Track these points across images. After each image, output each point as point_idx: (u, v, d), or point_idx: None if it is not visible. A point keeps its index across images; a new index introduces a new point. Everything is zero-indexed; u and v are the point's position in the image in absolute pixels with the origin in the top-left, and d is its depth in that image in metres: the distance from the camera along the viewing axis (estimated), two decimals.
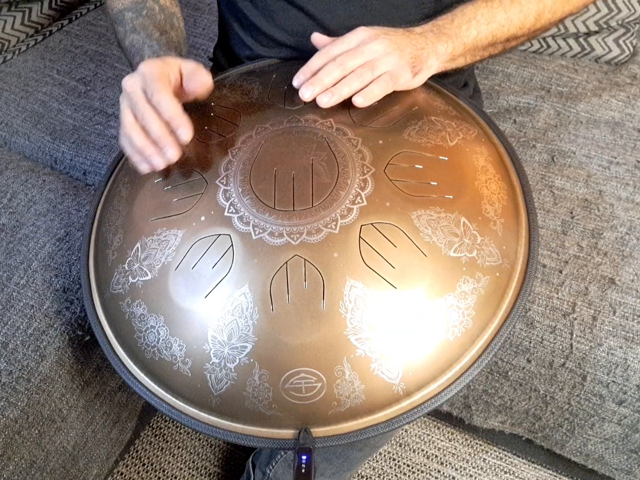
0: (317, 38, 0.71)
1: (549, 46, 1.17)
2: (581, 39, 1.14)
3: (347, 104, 0.67)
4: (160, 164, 0.62)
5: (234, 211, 0.60)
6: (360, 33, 0.66)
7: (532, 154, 1.01)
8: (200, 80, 0.65)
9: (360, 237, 0.57)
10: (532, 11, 0.74)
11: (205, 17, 1.37)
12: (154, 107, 0.61)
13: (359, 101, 0.64)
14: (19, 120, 1.15)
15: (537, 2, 0.74)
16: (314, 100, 0.68)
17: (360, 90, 0.65)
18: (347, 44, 0.66)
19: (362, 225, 0.57)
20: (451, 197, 0.60)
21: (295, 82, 0.66)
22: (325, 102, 0.64)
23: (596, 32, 1.13)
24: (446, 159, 0.62)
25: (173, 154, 0.60)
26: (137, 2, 0.78)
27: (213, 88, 0.66)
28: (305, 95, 0.64)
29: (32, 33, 1.33)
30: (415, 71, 0.67)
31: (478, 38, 0.71)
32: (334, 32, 0.79)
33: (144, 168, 0.64)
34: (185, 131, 0.60)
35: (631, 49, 1.14)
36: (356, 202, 0.59)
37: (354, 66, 0.64)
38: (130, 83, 0.62)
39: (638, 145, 1.00)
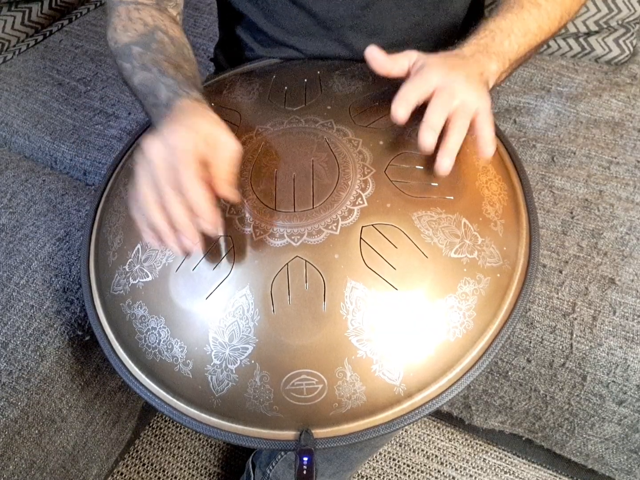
0: (374, 54, 0.63)
1: (549, 46, 1.17)
2: (581, 39, 1.14)
3: (347, 105, 0.67)
4: (177, 252, 0.55)
5: (234, 212, 0.60)
6: (436, 70, 0.60)
7: (532, 154, 1.01)
8: (226, 190, 0.56)
9: (361, 238, 0.57)
10: (557, 16, 0.73)
11: (205, 17, 1.36)
12: (179, 192, 0.53)
13: (490, 151, 0.59)
14: (19, 120, 1.15)
15: (560, 6, 0.73)
16: (313, 101, 0.68)
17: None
18: (429, 83, 0.59)
19: (363, 227, 0.57)
20: (452, 198, 0.60)
21: (400, 114, 0.58)
22: (448, 164, 0.57)
23: (596, 32, 1.13)
24: None
25: (191, 247, 0.54)
26: (144, 34, 0.70)
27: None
28: (429, 141, 0.57)
29: (32, 33, 1.32)
30: (489, 97, 0.63)
31: (519, 51, 0.69)
32: (335, 31, 0.79)
33: (156, 245, 0.56)
34: (209, 226, 0.53)
35: (631, 49, 1.13)
36: (357, 203, 0.59)
37: (450, 109, 0.58)
38: (157, 154, 0.54)
39: (638, 145, 1.00)
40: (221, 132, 0.57)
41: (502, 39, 0.68)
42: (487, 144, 0.59)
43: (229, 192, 0.55)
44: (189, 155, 0.53)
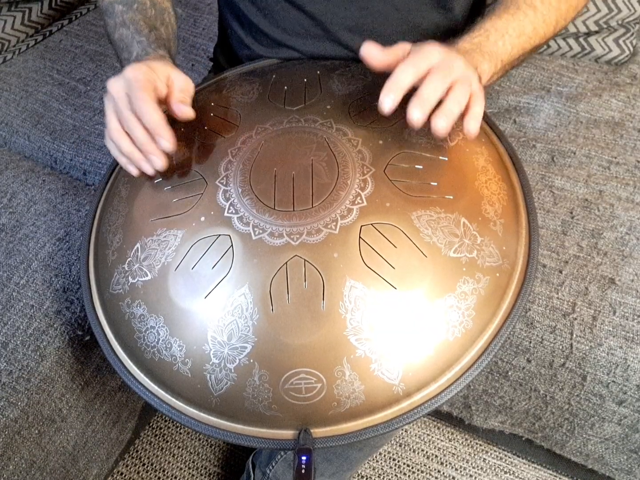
0: (369, 49, 0.62)
1: (549, 46, 1.17)
2: (581, 39, 1.14)
3: (346, 104, 0.67)
4: (148, 170, 0.63)
5: (233, 211, 0.60)
6: (436, 48, 0.60)
7: (532, 154, 1.01)
8: (183, 113, 0.63)
9: (360, 237, 0.57)
10: (552, 20, 0.73)
11: (205, 17, 1.37)
12: (136, 115, 0.60)
13: (474, 127, 0.59)
14: (19, 120, 1.15)
15: (556, 11, 0.73)
16: (313, 100, 0.68)
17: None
18: (430, 59, 0.58)
19: (362, 226, 0.57)
20: (451, 197, 0.60)
21: (387, 104, 0.56)
22: (444, 126, 0.56)
23: (596, 32, 1.13)
24: (446, 159, 0.62)
25: (159, 163, 0.61)
26: None
27: (194, 116, 0.65)
28: (416, 117, 0.56)
29: (32, 33, 1.33)
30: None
31: (512, 53, 0.69)
32: (334, 32, 0.79)
33: (132, 170, 0.64)
34: (165, 143, 0.60)
35: (631, 49, 1.13)
36: (356, 202, 0.59)
37: (450, 82, 0.58)
38: (116, 87, 0.62)
39: (638, 145, 1.00)
40: (173, 70, 0.65)
41: (496, 39, 0.68)
42: (475, 117, 0.59)
43: (183, 111, 0.63)
44: (141, 82, 0.60)
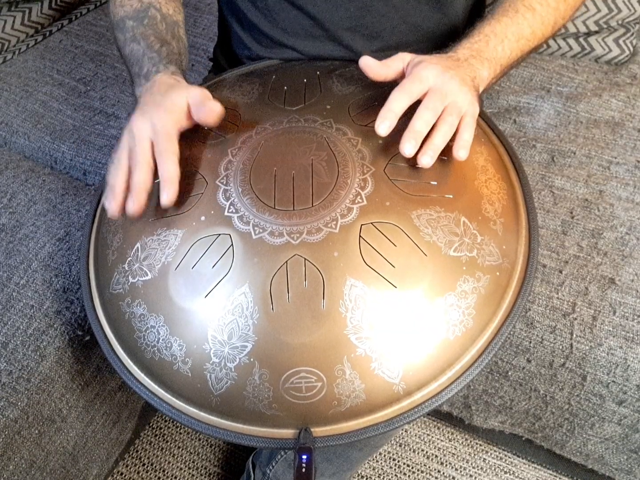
0: (367, 62, 0.64)
1: (549, 46, 1.17)
2: (581, 39, 1.14)
3: (346, 104, 0.67)
4: (114, 209, 0.61)
5: (234, 211, 0.60)
6: (431, 70, 0.61)
7: (532, 154, 1.01)
8: (210, 108, 0.63)
9: (360, 236, 0.57)
10: (550, 21, 0.73)
11: (205, 17, 1.37)
12: (152, 162, 0.61)
13: (463, 155, 0.60)
14: (19, 120, 1.15)
15: (555, 11, 0.73)
16: (313, 100, 0.68)
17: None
18: (424, 83, 0.60)
19: (362, 225, 0.57)
20: (451, 196, 0.60)
21: (383, 130, 0.59)
22: (429, 162, 0.58)
23: (596, 32, 1.13)
24: (446, 158, 0.62)
25: (132, 209, 0.60)
26: (139, 10, 0.76)
27: (224, 113, 0.64)
28: (408, 151, 0.58)
29: (32, 33, 1.33)
30: (479, 103, 0.65)
31: (511, 56, 0.70)
32: (334, 32, 0.79)
33: (105, 203, 0.63)
34: (167, 199, 0.59)
35: (631, 49, 1.14)
36: (356, 201, 0.59)
37: (441, 110, 0.60)
38: (140, 128, 0.62)
39: (638, 145, 1.00)
40: (189, 91, 0.64)
41: (495, 44, 0.68)
42: (464, 146, 0.60)
43: (213, 111, 0.63)
44: (168, 135, 0.61)
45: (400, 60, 0.64)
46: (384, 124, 0.58)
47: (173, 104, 0.63)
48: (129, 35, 0.75)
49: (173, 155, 0.60)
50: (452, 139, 0.61)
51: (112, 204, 0.61)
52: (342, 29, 0.79)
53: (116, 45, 0.79)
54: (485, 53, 0.67)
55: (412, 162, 0.62)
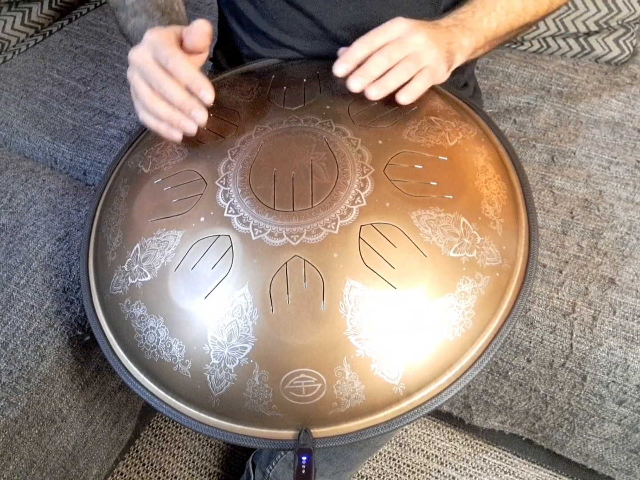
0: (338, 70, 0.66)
1: (549, 46, 1.17)
2: (581, 39, 1.14)
3: (346, 104, 0.67)
4: (192, 128, 0.62)
5: (233, 212, 0.60)
6: (400, 24, 0.64)
7: (532, 154, 1.01)
8: (199, 29, 0.62)
9: (360, 237, 0.57)
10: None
11: (205, 17, 1.35)
12: (170, 74, 0.60)
13: (404, 99, 0.63)
14: (19, 120, 1.15)
15: None
16: (312, 100, 0.68)
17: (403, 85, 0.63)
18: (388, 35, 0.64)
19: (361, 226, 0.57)
20: (451, 197, 0.60)
21: (339, 71, 0.63)
22: (375, 94, 0.62)
23: (596, 32, 1.13)
24: (446, 159, 0.62)
25: (201, 117, 0.61)
26: None
27: (212, 39, 0.64)
28: (355, 86, 0.62)
29: (32, 33, 1.33)
30: (448, 65, 0.67)
31: (498, 29, 0.71)
32: (333, 32, 0.79)
33: (175, 136, 0.63)
34: (208, 94, 0.60)
35: (631, 49, 1.14)
36: (356, 202, 0.59)
37: (398, 58, 0.63)
38: (140, 54, 0.61)
39: (638, 145, 1.00)
40: (182, 27, 0.64)
41: (481, 16, 0.70)
42: (408, 91, 0.63)
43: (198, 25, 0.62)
44: (164, 41, 0.60)
45: (395, 25, 0.66)
46: (342, 66, 0.62)
47: (167, 29, 0.64)
48: (129, 12, 0.75)
49: (181, 56, 0.59)
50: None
51: (187, 127, 0.62)
52: (340, 29, 0.79)
53: (118, 26, 0.80)
54: (469, 23, 0.69)
55: (412, 162, 0.62)
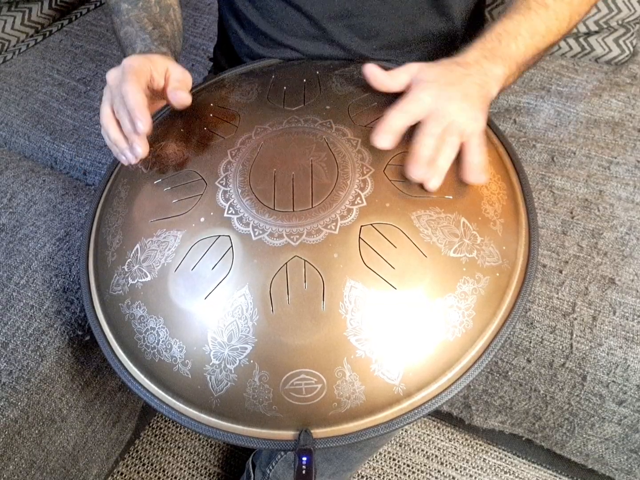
0: (373, 71, 0.65)
1: None
2: (581, 39, 1.14)
3: (346, 104, 0.67)
4: (130, 159, 0.65)
5: (233, 212, 0.60)
6: (427, 90, 0.61)
7: (532, 154, 1.01)
8: (179, 99, 0.65)
9: (360, 237, 0.57)
10: (565, 17, 0.72)
11: (205, 17, 1.37)
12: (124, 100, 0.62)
13: (476, 180, 0.61)
14: (19, 120, 1.15)
15: (569, 6, 0.72)
16: (312, 101, 0.68)
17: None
18: (422, 103, 0.60)
19: (361, 226, 0.57)
20: (451, 197, 0.60)
21: (383, 144, 0.60)
22: (435, 185, 0.59)
23: (596, 32, 1.13)
24: None
25: (139, 151, 0.63)
26: None
27: (190, 104, 0.66)
28: (417, 176, 0.58)
29: (32, 33, 1.33)
30: (484, 107, 0.64)
31: (526, 54, 0.68)
32: (331, 31, 0.79)
33: (122, 159, 0.66)
34: (140, 125, 0.61)
35: (631, 49, 1.13)
36: (356, 202, 0.59)
37: (439, 132, 0.59)
38: (113, 75, 0.64)
39: (638, 145, 1.00)
40: (172, 64, 0.67)
41: (508, 42, 0.67)
42: (475, 171, 0.60)
43: (179, 97, 0.64)
44: (134, 69, 0.63)
45: (407, 73, 0.64)
46: (384, 140, 0.59)
47: (150, 57, 0.67)
48: (124, 19, 0.77)
49: (133, 84, 0.61)
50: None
51: (126, 156, 0.65)
52: (339, 28, 0.79)
53: (112, 29, 0.82)
54: (498, 51, 0.66)
55: None
